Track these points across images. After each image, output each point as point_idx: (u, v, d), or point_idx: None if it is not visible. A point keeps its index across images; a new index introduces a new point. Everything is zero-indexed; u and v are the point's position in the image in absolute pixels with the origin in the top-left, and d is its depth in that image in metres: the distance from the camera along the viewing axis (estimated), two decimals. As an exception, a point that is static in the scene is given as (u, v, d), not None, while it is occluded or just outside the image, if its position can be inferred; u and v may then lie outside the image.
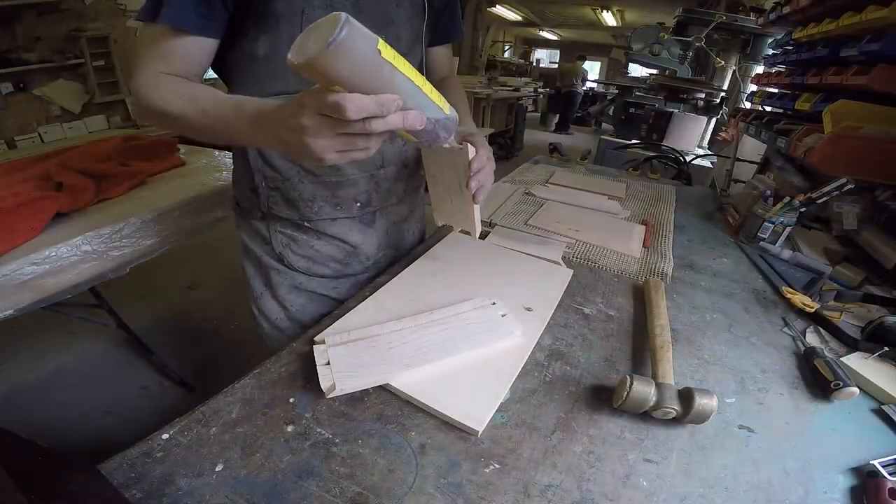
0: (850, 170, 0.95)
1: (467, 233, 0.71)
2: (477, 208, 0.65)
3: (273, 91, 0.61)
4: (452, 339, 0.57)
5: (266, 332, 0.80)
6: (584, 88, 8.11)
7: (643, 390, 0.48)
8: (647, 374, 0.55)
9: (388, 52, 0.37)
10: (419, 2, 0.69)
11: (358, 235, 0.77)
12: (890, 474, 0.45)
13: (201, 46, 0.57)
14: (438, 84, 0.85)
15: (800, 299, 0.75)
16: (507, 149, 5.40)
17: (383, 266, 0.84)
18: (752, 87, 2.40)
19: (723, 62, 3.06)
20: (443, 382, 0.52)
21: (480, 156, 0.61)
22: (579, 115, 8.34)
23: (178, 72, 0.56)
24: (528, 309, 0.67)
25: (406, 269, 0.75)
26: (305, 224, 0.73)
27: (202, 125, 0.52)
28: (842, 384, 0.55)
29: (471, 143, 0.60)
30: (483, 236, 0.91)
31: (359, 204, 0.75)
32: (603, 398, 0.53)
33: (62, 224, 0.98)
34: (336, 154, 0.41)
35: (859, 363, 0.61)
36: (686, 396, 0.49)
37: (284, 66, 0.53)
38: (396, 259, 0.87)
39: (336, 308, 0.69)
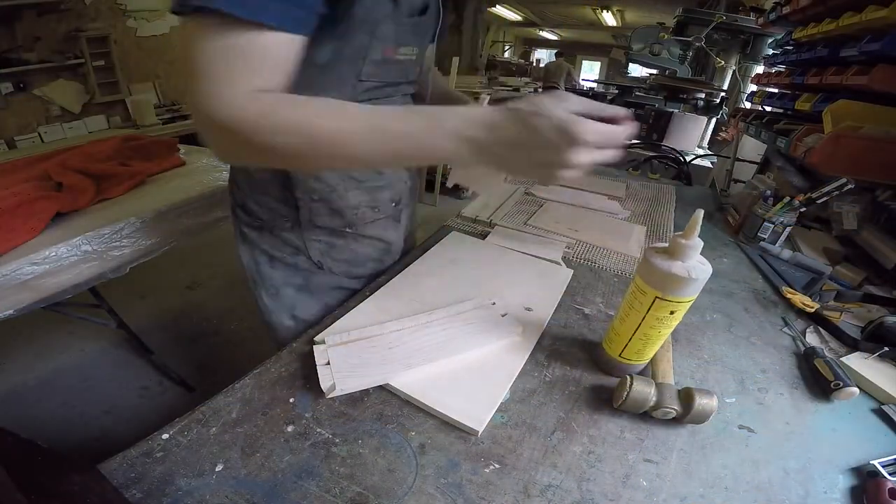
0: (850, 170, 0.95)
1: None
2: None
3: None
4: (452, 339, 0.57)
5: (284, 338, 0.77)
6: (571, 87, 7.87)
7: (643, 390, 0.48)
8: (647, 374, 0.55)
9: None
10: (437, 10, 0.69)
11: (392, 232, 0.80)
12: (890, 474, 0.45)
13: (298, 49, 0.45)
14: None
15: (800, 299, 0.75)
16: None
17: (404, 251, 0.87)
18: (752, 87, 2.40)
19: (723, 62, 3.07)
20: (443, 382, 0.52)
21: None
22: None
23: (272, 87, 0.44)
24: (528, 309, 0.67)
25: (406, 269, 0.75)
26: (346, 230, 0.73)
27: (368, 143, 0.43)
28: (842, 384, 0.55)
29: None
30: (483, 236, 0.91)
31: (393, 204, 0.76)
32: (603, 398, 0.53)
33: (62, 224, 0.98)
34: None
35: (859, 363, 0.61)
36: (686, 396, 0.49)
37: (343, 75, 0.55)
38: (410, 242, 0.90)
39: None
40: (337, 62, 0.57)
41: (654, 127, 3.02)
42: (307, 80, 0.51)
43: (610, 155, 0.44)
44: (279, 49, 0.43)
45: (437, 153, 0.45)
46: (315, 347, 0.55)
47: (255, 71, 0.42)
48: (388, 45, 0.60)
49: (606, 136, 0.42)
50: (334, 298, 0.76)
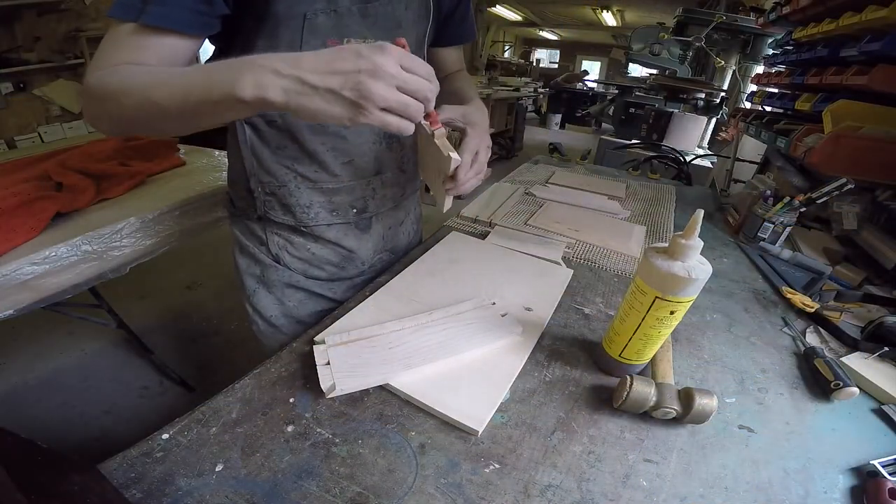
0: (850, 170, 0.95)
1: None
2: (449, 199, 0.64)
3: None
4: (452, 339, 0.57)
5: (261, 329, 0.79)
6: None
7: (643, 390, 0.48)
8: (647, 374, 0.55)
9: None
10: (427, 4, 0.68)
11: (354, 241, 0.77)
12: (890, 474, 0.45)
13: (191, 46, 0.52)
14: (447, 79, 0.83)
15: (800, 299, 0.75)
16: (507, 149, 5.39)
17: (379, 269, 0.84)
18: (752, 87, 2.40)
19: (723, 62, 3.06)
20: (443, 382, 0.52)
21: (465, 163, 0.60)
22: (578, 114, 8.36)
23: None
24: (528, 309, 0.67)
25: (406, 269, 0.75)
26: (302, 228, 0.73)
27: (172, 86, 0.45)
28: (842, 384, 0.55)
29: (466, 136, 0.61)
30: (483, 236, 0.91)
31: (355, 210, 0.74)
32: (603, 398, 0.53)
33: (62, 224, 0.98)
34: (378, 111, 0.41)
35: (859, 363, 0.61)
36: (686, 396, 0.49)
37: None
38: (393, 261, 0.86)
39: (333, 307, 0.69)
40: None
41: (654, 127, 3.02)
42: None
43: (414, 108, 0.43)
44: (157, 42, 0.48)
45: (227, 82, 0.41)
46: (315, 347, 0.55)
47: (129, 56, 0.48)
48: (332, 38, 0.57)
49: (412, 66, 0.42)
50: (289, 297, 0.77)
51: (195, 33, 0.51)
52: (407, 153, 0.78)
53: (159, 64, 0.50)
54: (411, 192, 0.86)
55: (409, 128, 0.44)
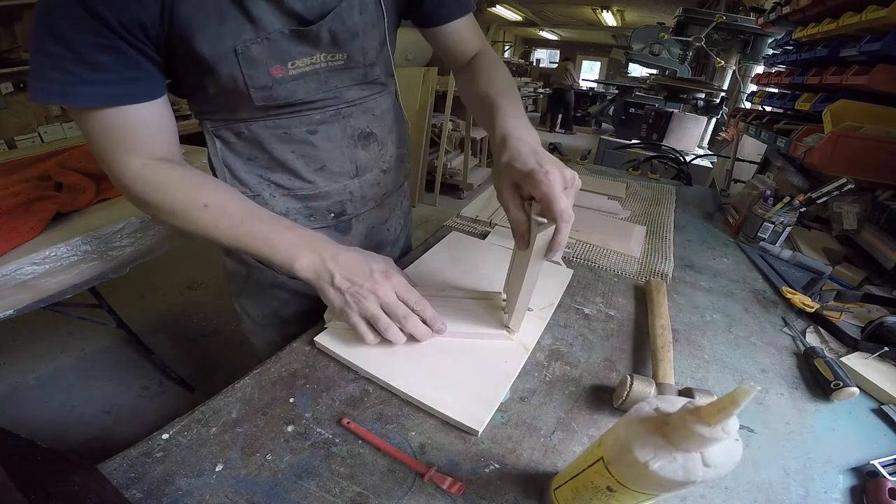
0: (850, 170, 0.95)
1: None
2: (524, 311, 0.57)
3: (225, 118, 0.61)
4: (452, 339, 0.57)
5: (249, 329, 0.79)
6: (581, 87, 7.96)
7: (643, 390, 0.48)
8: (647, 374, 0.55)
9: None
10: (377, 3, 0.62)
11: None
12: (890, 474, 0.45)
13: (152, 111, 0.51)
14: (471, 70, 0.72)
15: (800, 299, 0.75)
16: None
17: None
18: (752, 87, 2.40)
19: (723, 62, 3.06)
20: (443, 382, 0.52)
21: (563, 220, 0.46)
22: (578, 114, 8.33)
23: (154, 152, 0.53)
24: (528, 309, 0.67)
25: (405, 270, 0.75)
26: None
27: (232, 228, 0.54)
28: (842, 384, 0.55)
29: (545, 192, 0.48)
30: (483, 236, 0.91)
31: (332, 214, 0.73)
32: (603, 398, 0.53)
33: (62, 224, 0.98)
34: (363, 322, 0.54)
35: (859, 363, 0.61)
36: (686, 396, 0.49)
37: (239, 100, 0.58)
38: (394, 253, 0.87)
39: (319, 307, 0.68)
40: (223, 92, 0.56)
41: (654, 127, 3.03)
42: (221, 104, 0.60)
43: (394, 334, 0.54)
44: (127, 118, 0.50)
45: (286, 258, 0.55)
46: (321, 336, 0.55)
47: (131, 148, 0.52)
48: (276, 66, 0.55)
49: (413, 300, 0.56)
50: (275, 297, 0.76)
51: (146, 100, 0.50)
52: (387, 150, 0.76)
53: (151, 139, 0.53)
54: (395, 188, 0.84)
55: (373, 340, 0.55)
